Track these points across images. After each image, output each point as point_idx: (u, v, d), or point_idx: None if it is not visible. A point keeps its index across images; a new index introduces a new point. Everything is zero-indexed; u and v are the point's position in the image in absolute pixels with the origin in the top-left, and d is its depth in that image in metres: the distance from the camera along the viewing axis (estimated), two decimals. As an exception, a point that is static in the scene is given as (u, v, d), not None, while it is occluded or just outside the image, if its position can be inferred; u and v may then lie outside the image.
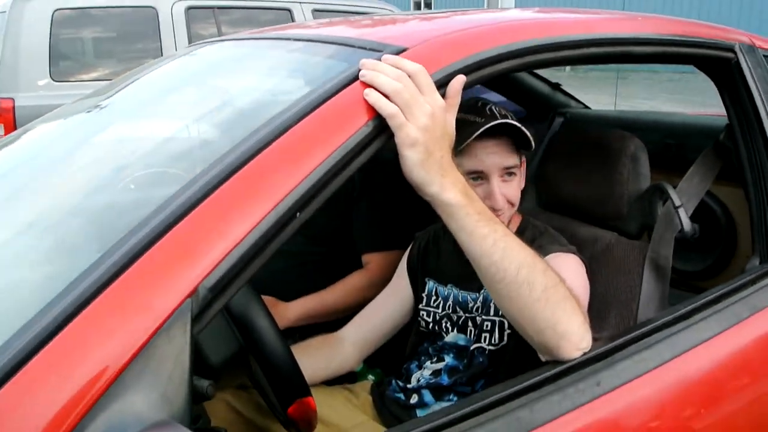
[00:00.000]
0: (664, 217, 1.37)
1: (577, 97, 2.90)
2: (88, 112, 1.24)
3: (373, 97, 0.83)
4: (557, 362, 0.96)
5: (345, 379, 1.53)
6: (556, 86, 2.85)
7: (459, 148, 1.17)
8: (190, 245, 0.68)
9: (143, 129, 1.04)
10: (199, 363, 1.04)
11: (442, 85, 0.90)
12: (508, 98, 2.87)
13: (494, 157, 1.24)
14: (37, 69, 3.93)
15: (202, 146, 0.81)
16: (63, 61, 4.07)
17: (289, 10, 4.61)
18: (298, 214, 0.74)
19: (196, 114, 0.99)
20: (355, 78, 0.86)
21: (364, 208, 1.85)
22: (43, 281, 0.70)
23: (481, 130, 1.19)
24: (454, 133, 0.91)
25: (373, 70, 0.86)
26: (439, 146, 0.87)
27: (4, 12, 4.08)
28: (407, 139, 0.84)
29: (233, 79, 1.12)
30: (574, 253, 1.30)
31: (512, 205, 1.29)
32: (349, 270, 1.82)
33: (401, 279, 1.53)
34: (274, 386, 1.03)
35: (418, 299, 1.47)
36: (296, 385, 1.02)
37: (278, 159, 0.75)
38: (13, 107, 3.79)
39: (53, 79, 3.98)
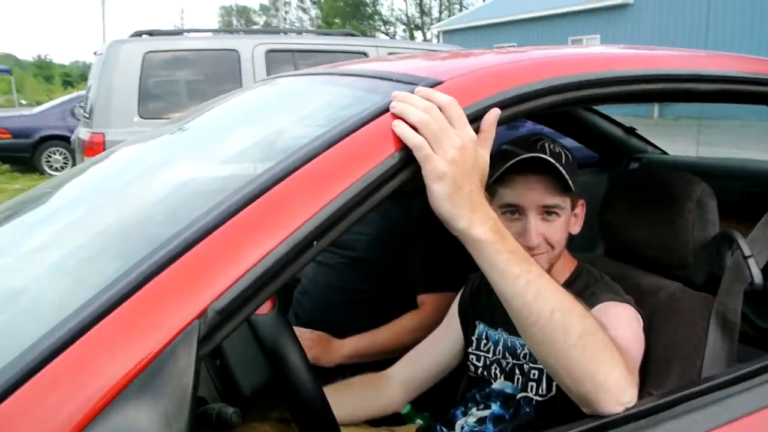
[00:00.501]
0: (733, 267, 1.28)
1: (663, 145, 2.79)
2: (150, 141, 1.31)
3: (400, 128, 0.83)
4: (598, 417, 0.89)
5: (391, 421, 1.50)
6: (630, 131, 2.77)
7: (492, 178, 1.14)
8: (203, 268, 0.69)
9: (187, 160, 1.08)
10: (231, 391, 1.05)
11: (477, 118, 0.88)
12: (581, 143, 2.81)
13: (533, 193, 1.20)
14: (127, 107, 4.22)
15: (233, 177, 0.82)
16: (151, 99, 4.35)
17: (365, 53, 4.74)
18: (315, 242, 0.73)
19: (237, 146, 1.02)
20: (386, 110, 0.85)
21: (420, 247, 1.83)
22: (65, 295, 0.72)
23: (513, 161, 1.16)
24: (488, 168, 0.89)
25: (403, 102, 0.85)
26: (469, 180, 0.85)
27: (101, 54, 4.42)
28: (434, 171, 0.82)
29: (280, 112, 1.15)
30: (629, 303, 1.22)
31: (552, 246, 1.23)
32: (401, 309, 1.80)
33: (452, 321, 1.50)
34: (301, 420, 1.01)
35: (468, 342, 1.43)
36: (324, 421, 1.00)
37: (298, 187, 0.75)
38: (104, 141, 4.07)
39: (141, 117, 4.25)
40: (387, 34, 40.78)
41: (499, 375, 1.34)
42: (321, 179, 0.76)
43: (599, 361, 0.88)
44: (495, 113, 0.88)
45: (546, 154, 1.19)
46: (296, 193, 0.75)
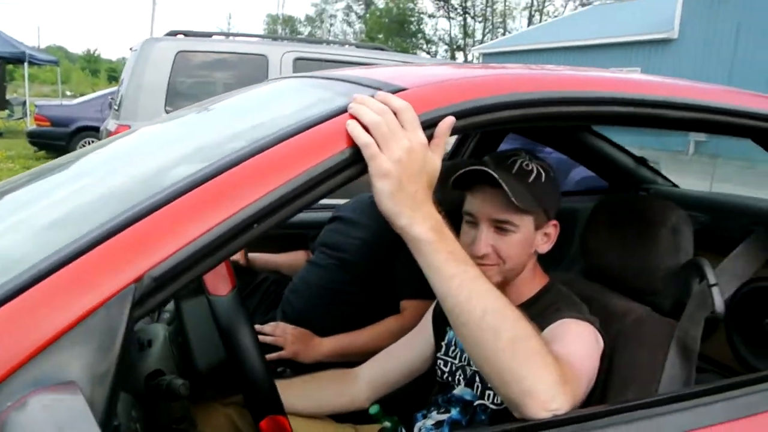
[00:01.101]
0: (699, 295, 1.29)
1: (687, 181, 2.80)
2: (142, 132, 1.41)
3: (351, 127, 0.88)
4: (522, 420, 0.92)
5: (357, 419, 1.53)
6: (641, 161, 2.78)
7: (449, 183, 1.18)
8: (145, 238, 0.75)
9: (165, 149, 1.16)
10: (188, 366, 1.11)
11: (433, 125, 0.92)
12: (592, 170, 2.83)
13: (486, 205, 1.23)
14: (155, 102, 4.37)
15: (194, 165, 0.88)
16: (178, 97, 4.49)
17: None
18: (255, 225, 0.79)
19: (210, 138, 1.10)
20: (345, 110, 0.91)
21: (408, 255, 1.86)
22: (32, 251, 0.79)
23: (458, 173, 1.21)
24: (437, 171, 0.93)
25: (360, 103, 0.91)
26: (415, 181, 0.89)
27: (136, 50, 4.58)
28: (379, 170, 0.87)
29: (261, 109, 1.23)
30: (591, 323, 1.24)
31: (503, 260, 1.25)
32: (383, 312, 1.84)
33: (425, 326, 1.53)
34: (248, 398, 1.06)
35: (438, 347, 1.46)
36: (269, 401, 1.05)
37: (244, 175, 0.81)
38: (129, 134, 4.22)
39: (167, 113, 4.38)
40: (428, 52, 41.05)
41: (461, 381, 1.36)
42: (267, 169, 0.82)
43: (528, 365, 0.91)
44: (449, 121, 0.93)
45: (512, 171, 1.22)
46: (242, 180, 0.81)
